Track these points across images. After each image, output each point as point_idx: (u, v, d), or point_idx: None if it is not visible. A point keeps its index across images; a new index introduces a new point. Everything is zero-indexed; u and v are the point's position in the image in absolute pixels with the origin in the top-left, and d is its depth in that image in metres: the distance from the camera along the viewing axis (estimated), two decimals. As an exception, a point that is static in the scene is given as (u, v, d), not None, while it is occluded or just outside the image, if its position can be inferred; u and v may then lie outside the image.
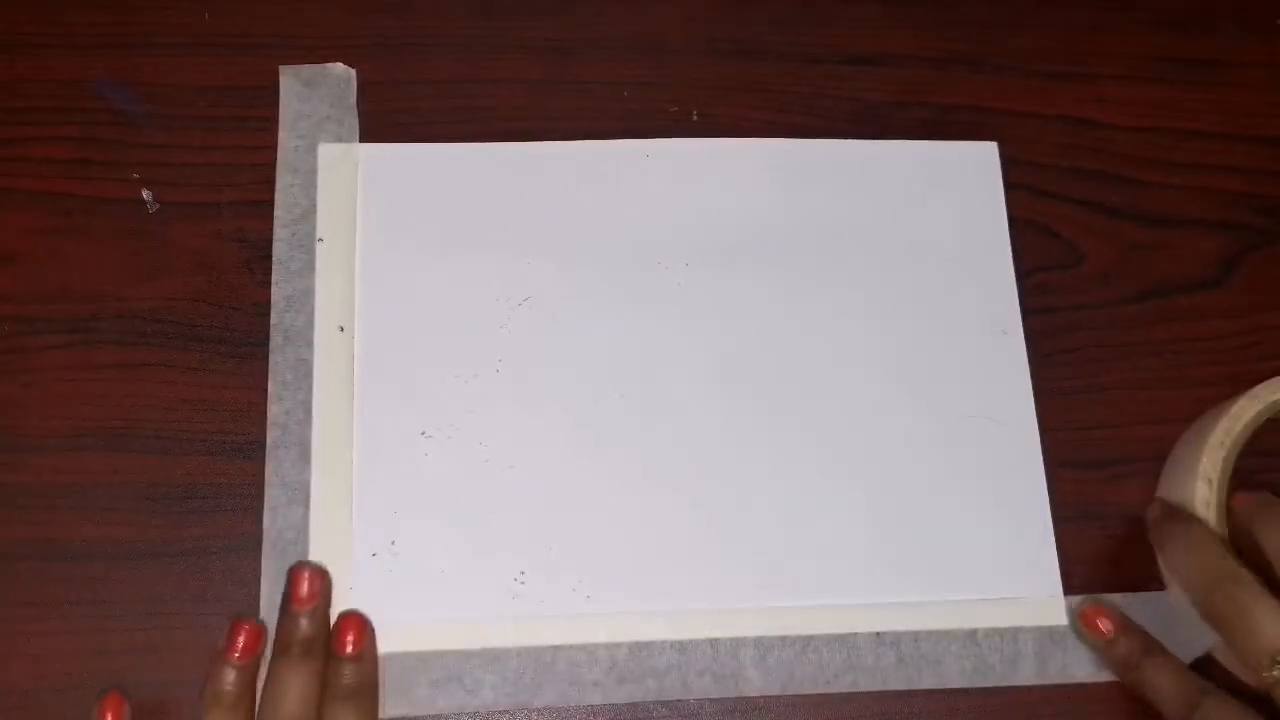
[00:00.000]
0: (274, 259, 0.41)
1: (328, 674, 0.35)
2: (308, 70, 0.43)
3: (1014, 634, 0.39)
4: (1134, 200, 0.45)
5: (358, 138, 0.43)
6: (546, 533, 0.39)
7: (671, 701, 0.38)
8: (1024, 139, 0.45)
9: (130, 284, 0.41)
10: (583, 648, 0.38)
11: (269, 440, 0.39)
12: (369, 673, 0.36)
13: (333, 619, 0.37)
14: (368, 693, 0.36)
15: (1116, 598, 0.40)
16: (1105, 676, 0.39)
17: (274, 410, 0.39)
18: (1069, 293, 0.43)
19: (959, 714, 0.39)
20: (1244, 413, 0.39)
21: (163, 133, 0.42)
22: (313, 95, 0.43)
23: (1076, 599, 0.40)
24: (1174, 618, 0.39)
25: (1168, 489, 0.40)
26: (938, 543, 0.40)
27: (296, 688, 0.34)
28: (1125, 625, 0.38)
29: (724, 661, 0.38)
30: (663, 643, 0.38)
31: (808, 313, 0.42)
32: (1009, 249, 0.43)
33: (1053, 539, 0.40)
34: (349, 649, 0.36)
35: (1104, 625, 0.38)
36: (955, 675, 0.39)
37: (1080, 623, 0.39)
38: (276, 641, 0.36)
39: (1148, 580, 0.40)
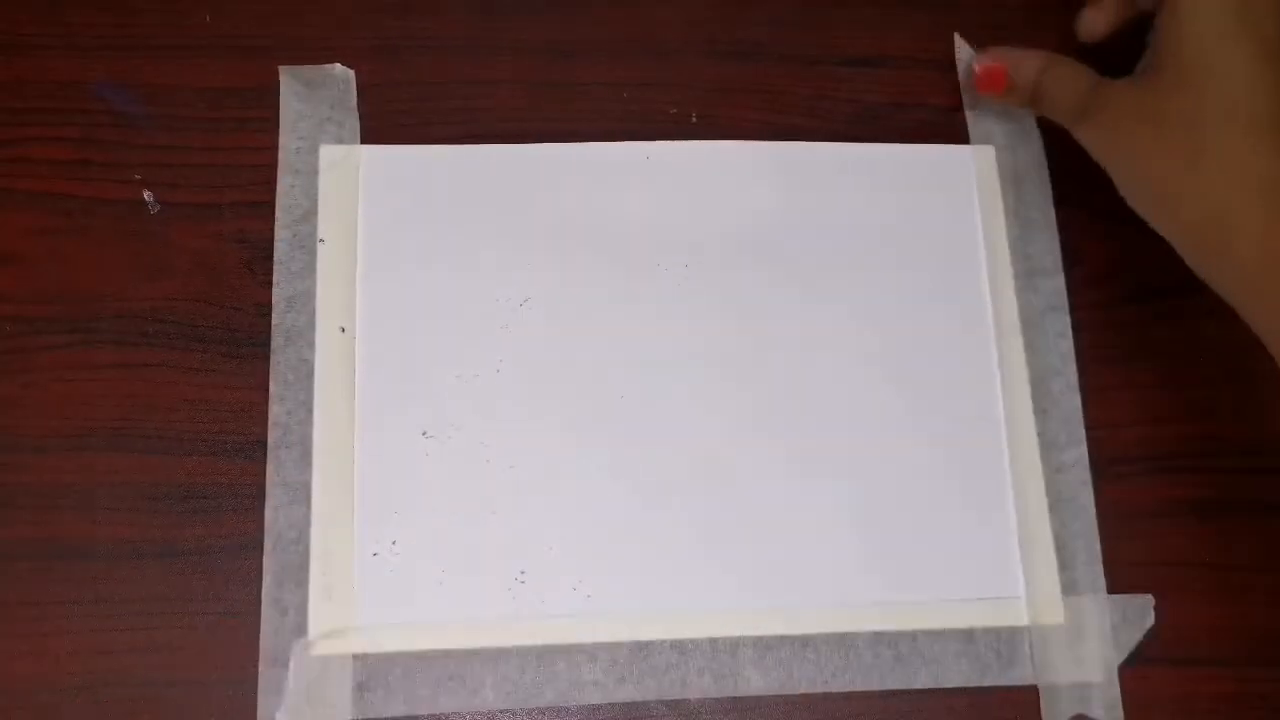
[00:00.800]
0: (275, 260, 0.41)
1: None
2: (307, 71, 0.43)
3: (1012, 633, 0.40)
4: (1132, 201, 0.45)
5: (358, 139, 0.43)
6: (546, 533, 0.39)
7: (671, 701, 0.38)
8: (1022, 140, 0.46)
9: (131, 284, 0.41)
10: (583, 647, 0.38)
11: (270, 440, 0.39)
12: None
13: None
14: None
15: (1115, 599, 0.40)
16: (1104, 676, 0.39)
17: (275, 410, 0.40)
18: (1069, 294, 0.43)
19: (957, 713, 0.39)
20: None
21: (163, 134, 0.42)
22: (313, 96, 0.43)
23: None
24: None
25: None
26: (936, 542, 0.40)
27: None
28: (1015, 72, 0.43)
29: (723, 661, 0.39)
30: (662, 642, 0.39)
31: (807, 314, 0.42)
32: (1008, 250, 0.44)
33: (1051, 539, 0.40)
34: None
35: (997, 79, 0.43)
36: (953, 674, 0.39)
37: (978, 89, 0.43)
38: None
39: (1146, 582, 0.41)
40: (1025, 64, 0.43)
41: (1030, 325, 0.43)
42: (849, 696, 0.39)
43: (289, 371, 0.40)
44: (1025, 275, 0.43)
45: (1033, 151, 0.45)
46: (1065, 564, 0.40)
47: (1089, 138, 0.41)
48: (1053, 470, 0.41)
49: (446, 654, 0.38)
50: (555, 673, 0.38)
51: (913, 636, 0.39)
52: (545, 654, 0.38)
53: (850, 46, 0.46)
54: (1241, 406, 0.43)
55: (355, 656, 0.38)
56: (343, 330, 0.41)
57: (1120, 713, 0.39)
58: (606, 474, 0.40)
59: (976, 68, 0.44)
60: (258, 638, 0.37)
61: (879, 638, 0.39)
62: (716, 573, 0.39)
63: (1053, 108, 0.42)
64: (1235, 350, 0.44)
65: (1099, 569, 0.40)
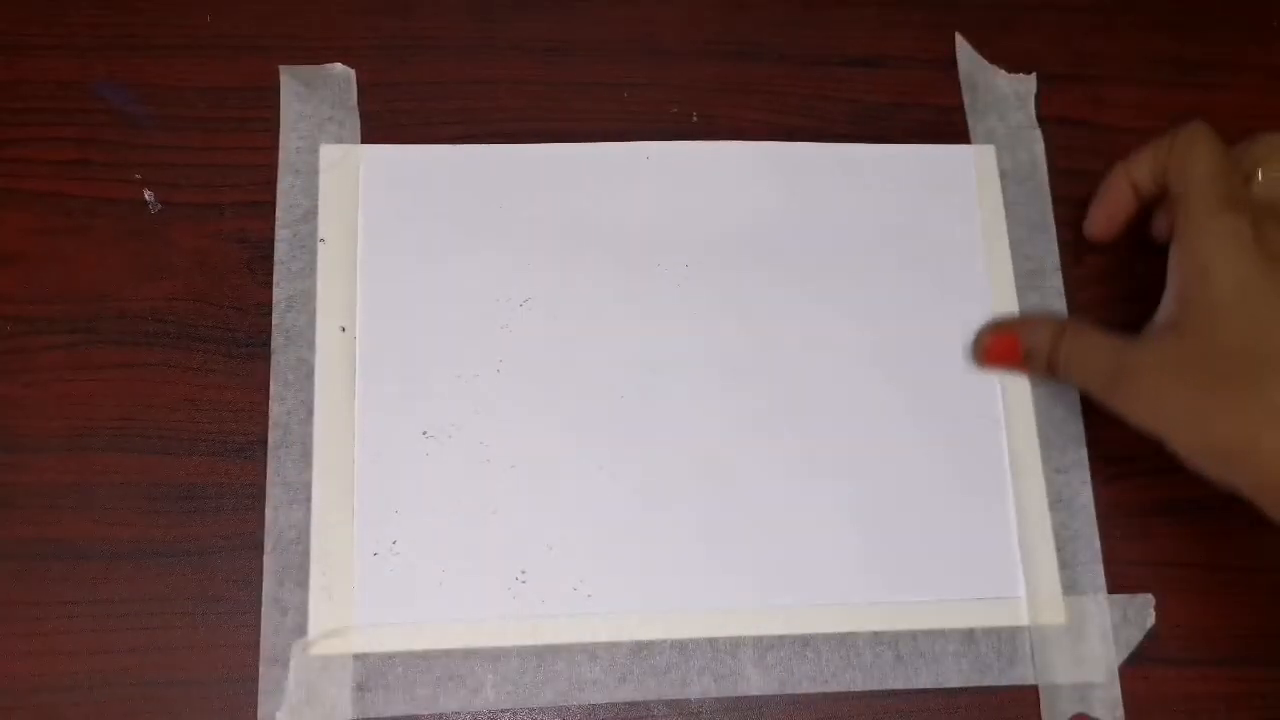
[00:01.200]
0: (275, 259, 0.41)
1: None
2: (308, 71, 0.43)
3: (1012, 633, 0.40)
4: (1132, 201, 0.45)
5: (359, 139, 0.43)
6: (547, 533, 0.39)
7: (671, 700, 0.38)
8: (1022, 141, 0.45)
9: (132, 284, 0.41)
10: (583, 647, 0.38)
11: (270, 440, 0.39)
12: None
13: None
14: None
15: (1115, 598, 0.40)
16: (1105, 676, 0.39)
17: (275, 410, 0.40)
18: (1068, 294, 0.44)
19: (957, 713, 0.39)
20: None
21: (164, 134, 0.43)
22: (313, 96, 0.43)
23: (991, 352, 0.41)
24: None
25: None
26: (936, 542, 0.40)
27: None
28: (1028, 341, 0.40)
29: (723, 660, 0.39)
30: (663, 642, 0.39)
31: (807, 314, 0.42)
32: (1008, 250, 0.44)
33: (1051, 539, 0.40)
34: None
35: (1010, 350, 0.41)
36: (953, 674, 0.39)
37: (985, 362, 0.41)
38: None
39: (1146, 582, 0.41)
40: (1038, 332, 0.40)
41: (1030, 325, 0.43)
42: (849, 696, 0.39)
43: (289, 371, 0.40)
44: (1025, 275, 0.43)
45: (1033, 151, 0.45)
46: (1065, 564, 0.40)
47: (1129, 408, 0.37)
48: (1053, 470, 0.41)
49: (446, 654, 0.38)
50: (555, 672, 0.38)
51: (913, 636, 0.39)
52: (545, 654, 0.38)
53: (850, 46, 0.46)
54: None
55: (355, 656, 0.38)
56: (343, 330, 0.41)
57: (1120, 713, 0.39)
58: (606, 474, 0.40)
59: (986, 340, 0.41)
60: (258, 638, 0.38)
61: (879, 638, 0.39)
62: (716, 573, 0.39)
63: (1075, 378, 0.40)
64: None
65: (1099, 569, 0.40)
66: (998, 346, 0.41)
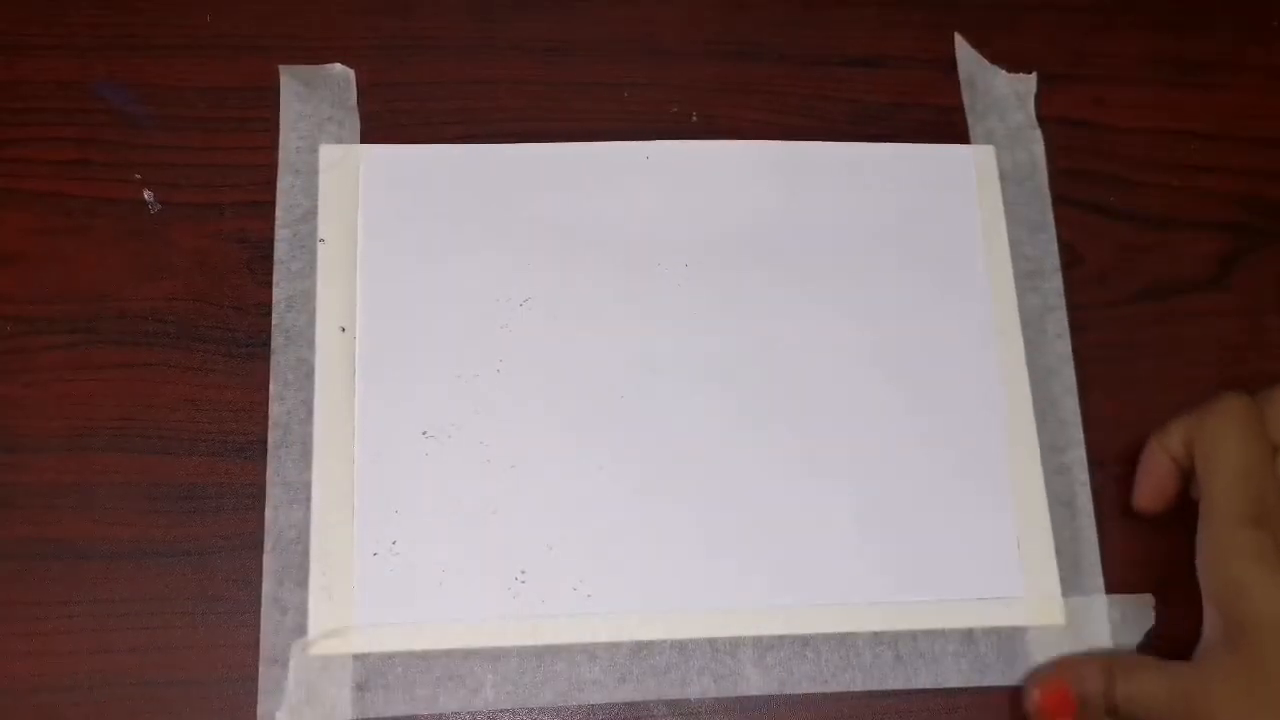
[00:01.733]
0: (275, 259, 0.41)
1: None
2: (308, 71, 0.43)
3: (1011, 633, 0.40)
4: (1132, 201, 0.45)
5: (359, 139, 0.43)
6: (547, 533, 0.39)
7: (671, 700, 0.38)
8: (1022, 141, 0.45)
9: (132, 284, 0.41)
10: (583, 647, 0.38)
11: (270, 440, 0.39)
12: None
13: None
14: None
15: (1115, 598, 0.40)
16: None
17: (275, 410, 0.40)
18: (1068, 294, 0.44)
19: (958, 711, 0.39)
20: None
21: (164, 134, 0.43)
22: (313, 96, 0.43)
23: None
24: None
25: None
26: (936, 542, 0.40)
27: None
28: (1079, 689, 0.37)
29: (723, 661, 0.39)
30: (663, 642, 0.39)
31: (807, 314, 0.42)
32: (1008, 250, 0.44)
33: (1051, 539, 0.40)
34: None
35: (1065, 703, 0.37)
36: (953, 674, 0.39)
37: (1041, 717, 0.38)
38: None
39: (1146, 582, 0.41)
40: (1088, 678, 0.37)
41: (1030, 325, 0.43)
42: (849, 696, 0.39)
43: (289, 371, 0.40)
44: (1025, 275, 0.43)
45: (1033, 151, 0.45)
46: (1065, 564, 0.40)
47: None
48: (1052, 471, 0.41)
49: (446, 654, 0.38)
50: (555, 672, 0.38)
51: (913, 636, 0.39)
52: (545, 654, 0.38)
53: (850, 46, 0.46)
54: (1241, 407, 0.43)
55: (355, 656, 0.38)
56: (343, 330, 0.41)
57: (1120, 713, 0.39)
58: (606, 474, 0.40)
59: (1035, 696, 0.38)
60: (258, 638, 0.37)
61: (879, 638, 0.39)
62: (716, 573, 0.39)
63: (1142, 717, 0.36)
64: (1234, 350, 0.44)
65: (1099, 569, 0.40)
66: (1050, 701, 0.38)
